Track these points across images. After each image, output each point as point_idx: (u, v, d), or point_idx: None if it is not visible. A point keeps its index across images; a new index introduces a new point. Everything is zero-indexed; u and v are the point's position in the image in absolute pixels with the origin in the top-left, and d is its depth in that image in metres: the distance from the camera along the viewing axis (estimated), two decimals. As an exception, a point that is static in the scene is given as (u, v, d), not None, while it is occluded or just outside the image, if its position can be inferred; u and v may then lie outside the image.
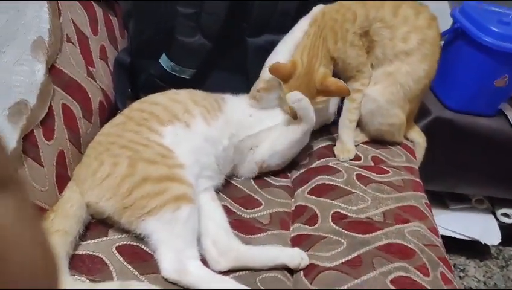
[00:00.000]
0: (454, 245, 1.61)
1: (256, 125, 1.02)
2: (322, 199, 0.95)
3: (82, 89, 0.93)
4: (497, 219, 1.72)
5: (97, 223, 0.81)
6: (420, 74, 1.05)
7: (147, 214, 0.76)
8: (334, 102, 1.10)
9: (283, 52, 1.05)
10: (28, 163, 0.74)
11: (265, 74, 1.04)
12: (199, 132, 0.91)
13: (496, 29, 1.24)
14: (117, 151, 0.82)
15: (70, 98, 0.88)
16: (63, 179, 0.82)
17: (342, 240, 0.84)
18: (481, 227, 1.70)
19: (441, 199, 1.72)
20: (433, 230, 0.91)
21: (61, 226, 0.73)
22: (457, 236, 1.65)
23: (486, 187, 1.61)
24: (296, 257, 0.80)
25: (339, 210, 0.92)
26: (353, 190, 0.96)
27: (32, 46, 0.79)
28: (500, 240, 1.66)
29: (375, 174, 1.01)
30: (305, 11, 1.09)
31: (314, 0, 1.08)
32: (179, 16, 1.05)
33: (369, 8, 1.04)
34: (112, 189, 0.78)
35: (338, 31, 1.02)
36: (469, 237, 1.66)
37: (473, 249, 1.70)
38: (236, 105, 1.03)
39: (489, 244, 1.67)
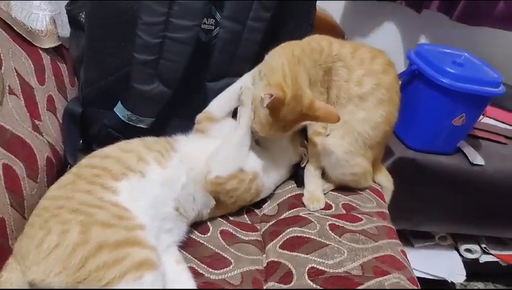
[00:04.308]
0: (420, 283, 1.59)
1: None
2: (295, 253, 0.89)
3: (26, 145, 0.83)
4: (460, 255, 1.73)
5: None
6: (377, 119, 1.02)
7: (105, 287, 0.66)
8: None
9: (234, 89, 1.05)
10: (-40, 238, 0.63)
11: (207, 108, 1.06)
12: (155, 179, 0.84)
13: (452, 70, 1.27)
14: (66, 217, 0.71)
15: (12, 156, 0.78)
16: (3, 253, 0.71)
17: (322, 300, 0.78)
18: (446, 264, 1.71)
19: (405, 238, 1.71)
20: (412, 280, 0.87)
21: None
22: (425, 276, 1.64)
23: (449, 224, 1.62)
24: None
25: (315, 265, 0.86)
26: (328, 242, 0.91)
27: (-32, 101, 0.70)
28: (465, 277, 1.67)
29: (348, 223, 0.97)
30: (263, 55, 1.06)
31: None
32: (135, 63, 0.98)
33: (332, 43, 1.02)
34: (62, 261, 0.67)
35: (310, 58, 0.98)
36: (436, 276, 1.66)
37: (438, 285, 1.69)
38: (188, 141, 0.99)
39: (456, 282, 1.67)
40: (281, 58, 0.95)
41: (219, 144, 0.96)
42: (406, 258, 0.94)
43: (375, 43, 1.10)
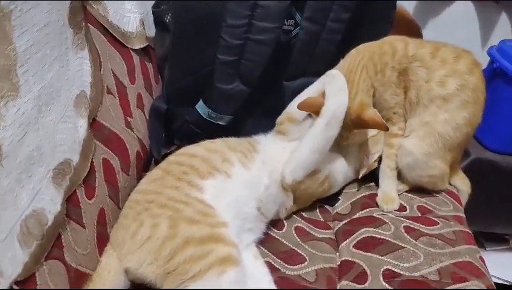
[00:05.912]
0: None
1: None
2: (370, 254, 0.90)
3: (121, 141, 0.90)
4: (536, 261, 1.65)
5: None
6: (460, 121, 0.98)
7: (190, 280, 0.71)
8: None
9: (313, 89, 1.04)
10: (71, 226, 0.70)
11: (288, 108, 1.05)
12: (239, 180, 0.88)
13: (538, 69, 1.21)
14: (156, 211, 0.78)
15: (110, 151, 0.86)
16: (103, 239, 0.78)
17: (398, 303, 0.79)
18: (520, 269, 1.63)
19: (476, 239, 1.66)
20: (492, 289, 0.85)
21: None
22: (496, 281, 1.58)
23: (526, 228, 1.55)
24: None
25: (390, 267, 0.86)
26: (403, 245, 0.91)
27: (75, 101, 0.77)
28: (540, 283, 1.59)
29: (424, 226, 0.96)
30: (342, 55, 1.07)
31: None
32: (218, 63, 1.02)
33: (409, 44, 1.01)
34: (153, 253, 0.73)
35: (377, 63, 0.99)
36: (508, 282, 1.59)
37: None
38: (268, 142, 1.02)
39: (530, 288, 1.60)
40: (346, 66, 0.99)
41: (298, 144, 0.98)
42: (485, 265, 0.92)
43: (450, 39, 1.06)
